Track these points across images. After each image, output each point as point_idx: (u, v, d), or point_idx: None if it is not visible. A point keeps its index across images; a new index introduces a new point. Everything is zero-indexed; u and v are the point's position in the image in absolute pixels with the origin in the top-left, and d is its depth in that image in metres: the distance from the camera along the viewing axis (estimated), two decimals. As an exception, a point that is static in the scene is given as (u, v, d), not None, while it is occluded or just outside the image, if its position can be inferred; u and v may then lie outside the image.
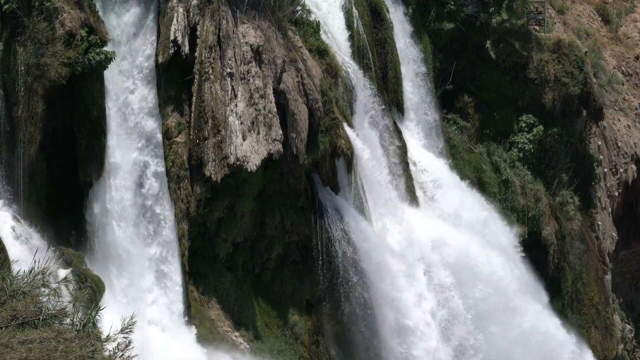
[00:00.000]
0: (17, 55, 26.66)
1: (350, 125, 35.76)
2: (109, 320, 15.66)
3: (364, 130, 37.13)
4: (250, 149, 31.10)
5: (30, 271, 14.84)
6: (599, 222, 48.65)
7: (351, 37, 38.12)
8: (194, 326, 30.82)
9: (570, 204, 45.98)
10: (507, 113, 45.48)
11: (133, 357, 14.44)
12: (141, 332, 27.46)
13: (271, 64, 32.16)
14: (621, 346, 49.38)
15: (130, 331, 14.00)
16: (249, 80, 31.58)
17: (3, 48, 26.85)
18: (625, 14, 57.79)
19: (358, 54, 38.19)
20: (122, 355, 13.95)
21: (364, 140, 36.27)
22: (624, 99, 53.76)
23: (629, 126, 52.60)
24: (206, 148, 30.87)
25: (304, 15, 35.52)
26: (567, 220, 45.98)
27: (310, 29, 35.44)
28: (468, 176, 42.63)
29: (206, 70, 31.00)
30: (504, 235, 42.49)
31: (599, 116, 48.25)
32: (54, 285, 14.89)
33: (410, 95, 41.56)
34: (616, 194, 50.77)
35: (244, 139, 31.10)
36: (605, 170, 49.72)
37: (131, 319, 14.15)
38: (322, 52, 35.48)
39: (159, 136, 30.69)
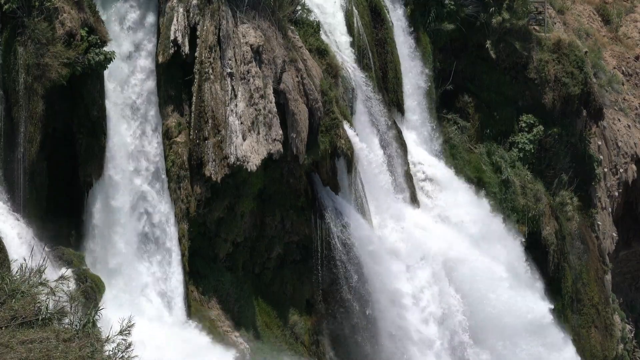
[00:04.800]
0: (17, 55, 26.67)
1: (351, 125, 35.77)
2: (108, 320, 15.67)
3: (364, 130, 37.12)
4: (250, 149, 31.10)
5: (24, 268, 14.83)
6: (599, 222, 48.64)
7: (351, 37, 38.11)
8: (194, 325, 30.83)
9: (570, 204, 45.99)
10: (507, 113, 45.47)
11: (133, 357, 14.44)
12: (141, 331, 27.46)
13: (271, 64, 32.16)
14: (621, 346, 49.38)
15: (128, 333, 14.00)
16: (249, 80, 31.58)
17: (3, 48, 26.86)
18: (625, 14, 57.79)
19: (358, 53, 38.18)
20: (122, 356, 13.95)
21: (364, 140, 36.27)
22: (624, 99, 53.76)
23: (629, 126, 52.60)
24: (206, 148, 30.87)
25: (304, 15, 35.52)
26: (567, 220, 45.98)
27: (310, 29, 35.43)
28: (468, 176, 42.63)
29: (206, 70, 31.00)
30: (504, 235, 42.52)
31: (599, 116, 48.24)
32: (51, 284, 14.89)
33: (410, 95, 41.55)
34: (616, 194, 50.77)
35: (244, 139, 31.11)
36: (605, 170, 49.71)
37: (129, 320, 14.14)
38: (322, 52, 35.47)
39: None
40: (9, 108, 26.93)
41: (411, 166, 39.56)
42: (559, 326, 42.71)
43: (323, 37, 36.35)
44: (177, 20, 30.65)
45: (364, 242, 34.80)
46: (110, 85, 29.32)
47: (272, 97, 31.87)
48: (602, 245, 48.95)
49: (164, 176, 30.78)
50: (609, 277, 49.19)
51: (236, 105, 31.23)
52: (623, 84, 53.75)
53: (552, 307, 41.78)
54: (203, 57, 31.01)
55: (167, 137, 30.95)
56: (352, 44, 38.10)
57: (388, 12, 40.60)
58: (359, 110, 37.13)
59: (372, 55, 38.83)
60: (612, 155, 50.74)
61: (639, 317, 54.02)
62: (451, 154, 42.94)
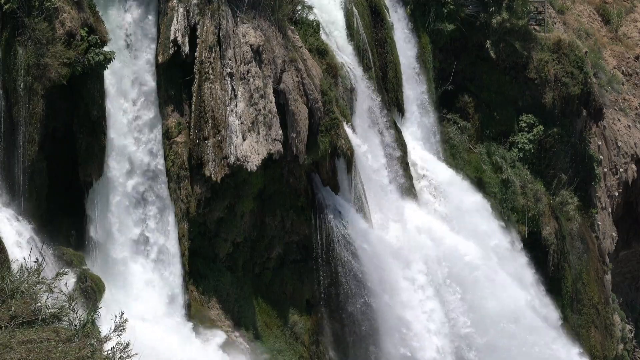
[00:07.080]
0: (17, 55, 26.67)
1: (351, 126, 35.78)
2: (108, 320, 15.68)
3: (364, 130, 37.14)
4: (250, 148, 31.11)
5: (22, 267, 14.84)
6: (599, 222, 48.65)
7: (351, 37, 38.12)
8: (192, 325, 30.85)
9: (570, 204, 45.99)
10: (507, 113, 45.48)
11: (132, 356, 14.45)
12: (140, 331, 27.47)
13: (271, 64, 32.17)
14: (621, 346, 49.39)
15: (122, 329, 14.01)
16: (249, 80, 31.59)
17: (3, 48, 26.87)
18: (625, 14, 57.81)
19: (358, 54, 38.19)
20: (121, 355, 13.96)
21: (364, 140, 36.28)
22: (624, 99, 53.77)
23: (629, 126, 52.61)
24: (206, 148, 30.88)
25: (304, 15, 35.53)
26: (567, 220, 45.98)
27: (310, 29, 35.44)
28: (468, 176, 42.64)
29: (206, 70, 31.01)
30: (502, 234, 42.55)
31: (599, 116, 48.25)
32: (49, 282, 14.90)
33: (410, 95, 41.56)
34: (616, 194, 50.77)
35: (244, 139, 31.12)
36: (605, 170, 49.72)
37: (121, 317, 14.15)
38: (322, 52, 35.48)
39: None
40: (9, 108, 26.93)
41: (411, 166, 39.57)
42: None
43: (323, 37, 36.37)
44: (177, 20, 30.67)
45: (364, 242, 34.81)
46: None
47: (272, 97, 31.88)
48: (602, 245, 48.95)
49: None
50: (609, 277, 49.20)
51: (236, 105, 31.24)
52: (623, 84, 53.76)
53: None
54: (203, 57, 31.02)
55: (167, 137, 30.96)
56: (352, 44, 38.12)
57: (388, 12, 40.61)
58: (359, 110, 37.14)
59: (372, 55, 38.84)
60: (612, 155, 50.75)
61: (639, 317, 54.04)
62: (451, 154, 42.96)
